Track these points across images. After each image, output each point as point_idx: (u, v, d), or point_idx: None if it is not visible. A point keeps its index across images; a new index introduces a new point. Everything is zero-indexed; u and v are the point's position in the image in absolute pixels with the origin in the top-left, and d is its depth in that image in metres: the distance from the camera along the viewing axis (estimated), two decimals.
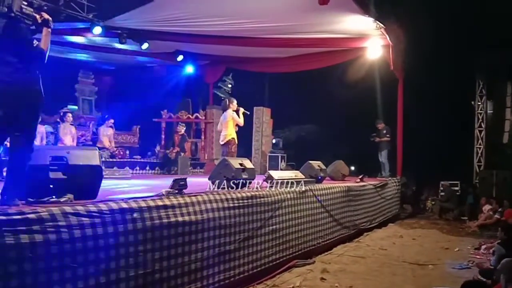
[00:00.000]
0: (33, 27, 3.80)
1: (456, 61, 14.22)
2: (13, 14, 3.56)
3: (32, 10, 3.73)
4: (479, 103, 14.60)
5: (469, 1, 13.63)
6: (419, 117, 14.17)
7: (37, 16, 3.79)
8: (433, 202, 13.43)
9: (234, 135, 9.11)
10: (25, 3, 3.69)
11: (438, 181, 13.99)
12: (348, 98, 15.53)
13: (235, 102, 9.30)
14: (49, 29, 3.87)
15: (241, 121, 9.23)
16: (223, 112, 9.66)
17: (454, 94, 14.98)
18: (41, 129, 9.99)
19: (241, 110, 9.28)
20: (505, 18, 12.57)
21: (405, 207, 12.94)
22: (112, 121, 12.24)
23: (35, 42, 3.76)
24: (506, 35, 13.09)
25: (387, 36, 10.76)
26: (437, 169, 14.32)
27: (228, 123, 9.16)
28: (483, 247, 8.04)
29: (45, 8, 3.97)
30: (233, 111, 9.18)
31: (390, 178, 11.75)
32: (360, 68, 12.77)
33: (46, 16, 3.87)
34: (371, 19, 9.78)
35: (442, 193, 13.55)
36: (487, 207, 11.18)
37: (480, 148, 14.48)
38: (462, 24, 13.80)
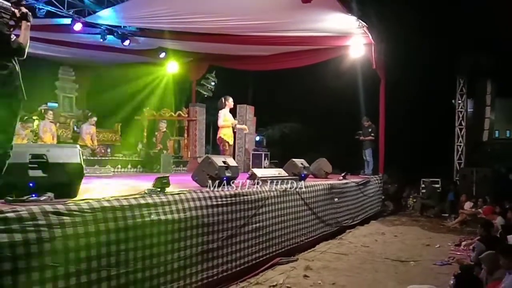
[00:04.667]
0: (12, 22, 3.72)
1: (437, 59, 14.40)
2: None
3: (9, 4, 3.64)
4: (460, 102, 14.80)
5: (451, 1, 13.81)
6: (401, 115, 14.32)
7: (16, 11, 3.71)
8: (414, 200, 13.60)
9: (223, 134, 9.02)
10: None
11: (419, 179, 14.16)
12: (331, 96, 15.63)
13: (230, 100, 9.10)
14: (28, 23, 3.79)
15: (220, 122, 9.07)
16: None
17: (435, 93, 15.17)
18: (25, 132, 9.88)
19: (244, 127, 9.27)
20: (485, 17, 12.76)
21: (387, 204, 13.05)
22: (95, 119, 12.13)
23: (13, 37, 3.67)
24: (486, 34, 13.29)
25: (370, 35, 10.83)
26: (418, 167, 14.49)
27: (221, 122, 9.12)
28: (463, 243, 8.16)
29: (24, 2, 3.86)
30: (228, 108, 9.09)
31: (372, 175, 11.84)
32: (343, 66, 12.84)
33: (24, 10, 3.79)
34: (353, 18, 9.83)
35: (423, 190, 13.72)
36: (468, 205, 11.35)
37: (460, 146, 14.69)
38: (443, 23, 13.98)
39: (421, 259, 7.14)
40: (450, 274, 5.86)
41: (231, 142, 9.15)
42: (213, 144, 14.97)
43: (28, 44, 3.76)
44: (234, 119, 9.40)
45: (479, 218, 9.76)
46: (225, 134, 9.00)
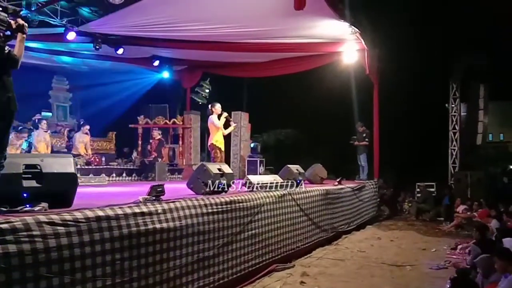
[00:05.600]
0: (8, 33, 3.71)
1: (430, 64, 14.50)
2: None
3: (6, 15, 3.64)
4: (453, 106, 14.88)
5: (443, 5, 13.92)
6: (395, 119, 14.39)
7: (12, 22, 3.70)
8: (410, 204, 13.61)
9: (215, 141, 9.04)
10: (0, 8, 3.60)
11: (414, 183, 14.19)
12: (325, 102, 15.69)
13: (217, 106, 9.13)
14: (24, 35, 3.78)
15: (217, 126, 9.09)
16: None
17: (429, 97, 15.27)
18: (19, 142, 9.83)
19: (224, 114, 9.22)
20: (477, 22, 12.88)
21: (382, 209, 13.06)
22: (87, 127, 12.03)
23: (7, 49, 3.66)
24: (479, 38, 13.40)
25: (362, 41, 10.88)
26: (413, 171, 14.54)
27: (211, 128, 9.14)
28: (459, 247, 8.17)
29: (21, 13, 3.85)
30: (218, 115, 9.11)
31: (367, 180, 11.85)
32: (337, 72, 12.90)
33: (21, 22, 3.78)
34: (346, 24, 9.87)
35: (419, 195, 13.75)
36: (461, 208, 11.38)
37: (454, 149, 14.74)
38: (436, 28, 14.09)
39: (417, 263, 7.15)
40: (446, 278, 5.87)
41: (223, 148, 9.17)
42: (208, 151, 14.98)
43: (22, 56, 3.76)
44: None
45: (475, 222, 9.78)
46: (217, 140, 9.02)
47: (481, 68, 14.31)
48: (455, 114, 14.86)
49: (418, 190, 13.99)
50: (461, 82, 14.85)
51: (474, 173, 13.18)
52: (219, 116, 9.14)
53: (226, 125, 9.45)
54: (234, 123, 10.28)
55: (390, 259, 7.36)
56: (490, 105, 15.37)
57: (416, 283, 6.05)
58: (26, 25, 3.81)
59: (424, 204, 13.04)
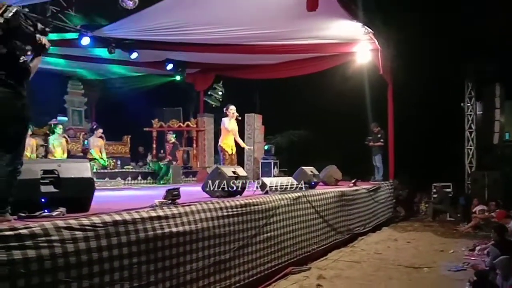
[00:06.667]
0: (29, 47, 3.77)
1: (445, 63, 14.34)
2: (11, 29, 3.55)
3: (32, 30, 3.72)
4: (469, 105, 14.68)
5: (458, 4, 13.78)
6: (410, 120, 14.24)
7: (41, 38, 3.78)
8: (426, 205, 13.48)
9: (223, 143, 9.07)
10: (30, 23, 3.68)
11: (430, 183, 14.03)
12: (338, 103, 15.60)
13: (230, 108, 9.17)
14: (42, 56, 3.88)
15: (227, 128, 9.10)
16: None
17: (444, 96, 15.08)
18: (31, 142, 9.91)
19: (235, 115, 9.25)
20: (492, 20, 12.72)
21: (398, 210, 12.95)
22: (101, 131, 12.03)
23: (22, 59, 3.71)
24: (494, 37, 13.22)
25: (376, 41, 10.82)
26: (429, 171, 14.38)
27: (222, 130, 9.19)
28: (477, 248, 8.06)
29: (48, 30, 3.92)
30: (231, 117, 9.14)
31: (383, 181, 11.76)
32: (350, 72, 12.83)
33: (45, 41, 3.85)
34: (359, 24, 9.83)
35: (435, 195, 13.60)
36: (478, 208, 11.21)
37: (471, 149, 14.54)
38: (450, 26, 13.94)
39: (435, 265, 7.06)
40: (465, 280, 5.82)
41: (231, 152, 9.15)
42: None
43: (35, 70, 3.83)
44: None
45: (493, 222, 9.65)
46: (225, 142, 9.05)
47: (496, 68, 14.08)
48: (471, 113, 14.67)
49: (434, 190, 13.82)
50: (476, 81, 14.65)
51: (491, 173, 12.98)
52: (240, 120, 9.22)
53: (240, 131, 9.50)
54: (249, 148, 10.86)
55: (407, 261, 7.29)
56: (507, 104, 15.12)
57: (433, 285, 5.99)
58: (49, 46, 3.89)
59: (440, 205, 12.90)
